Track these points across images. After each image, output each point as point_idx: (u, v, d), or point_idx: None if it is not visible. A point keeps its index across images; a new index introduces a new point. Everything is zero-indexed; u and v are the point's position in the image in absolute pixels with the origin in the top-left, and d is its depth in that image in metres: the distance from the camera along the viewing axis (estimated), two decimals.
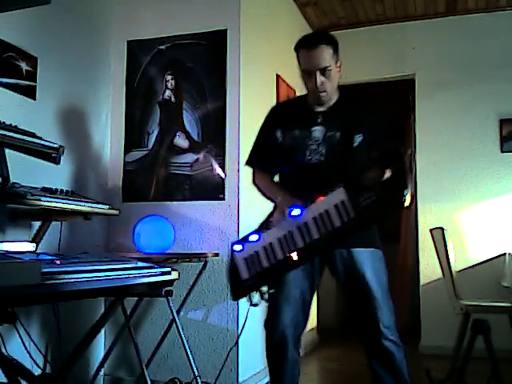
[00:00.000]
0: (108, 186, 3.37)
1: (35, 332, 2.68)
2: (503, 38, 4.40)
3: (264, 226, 2.00)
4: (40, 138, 2.33)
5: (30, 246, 2.11)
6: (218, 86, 3.21)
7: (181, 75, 3.30)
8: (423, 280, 4.45)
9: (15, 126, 2.23)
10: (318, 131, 2.04)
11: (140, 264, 2.05)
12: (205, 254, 3.00)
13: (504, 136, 4.33)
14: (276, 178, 2.21)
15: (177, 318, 2.68)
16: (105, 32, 3.41)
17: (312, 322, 4.63)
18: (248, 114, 3.18)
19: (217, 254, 2.99)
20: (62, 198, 2.31)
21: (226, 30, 3.21)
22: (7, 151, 2.29)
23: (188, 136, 3.25)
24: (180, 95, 3.30)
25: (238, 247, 1.98)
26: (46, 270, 1.50)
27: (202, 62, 3.26)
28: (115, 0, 3.48)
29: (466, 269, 4.26)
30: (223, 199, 3.13)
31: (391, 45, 4.72)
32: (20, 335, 2.27)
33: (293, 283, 2.03)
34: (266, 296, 1.96)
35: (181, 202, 3.22)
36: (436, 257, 3.51)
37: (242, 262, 1.95)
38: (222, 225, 3.12)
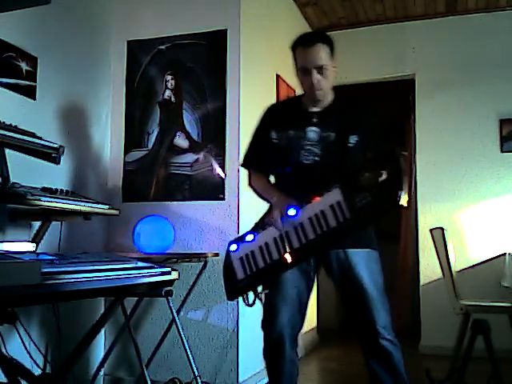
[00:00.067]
0: (108, 186, 3.37)
1: (35, 332, 2.68)
2: (503, 38, 4.40)
3: (259, 226, 2.01)
4: (40, 138, 2.33)
5: (30, 246, 2.11)
6: (218, 85, 3.21)
7: (181, 75, 3.30)
8: (423, 280, 4.45)
9: (15, 126, 2.23)
10: (313, 132, 2.04)
11: (140, 264, 2.04)
12: (205, 254, 3.00)
13: (504, 136, 4.33)
14: (272, 179, 2.21)
15: (177, 318, 2.68)
16: (105, 32, 3.41)
17: (312, 322, 4.64)
18: (248, 114, 3.18)
19: (217, 254, 2.99)
20: (62, 198, 2.31)
21: (226, 30, 3.21)
22: (7, 151, 2.29)
23: (188, 136, 3.25)
24: (180, 95, 3.30)
25: (233, 247, 1.98)
26: (45, 270, 1.50)
27: (202, 62, 3.26)
28: (115, 0, 3.48)
29: (466, 269, 4.26)
30: (223, 199, 3.13)
31: (391, 45, 4.72)
32: (20, 335, 2.27)
33: (289, 283, 2.03)
34: (261, 296, 1.97)
35: (181, 202, 3.22)
36: (436, 257, 3.51)
37: (237, 261, 1.95)
38: (222, 225, 3.12)
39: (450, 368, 3.21)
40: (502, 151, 4.33)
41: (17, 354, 2.15)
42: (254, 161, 2.21)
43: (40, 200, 2.12)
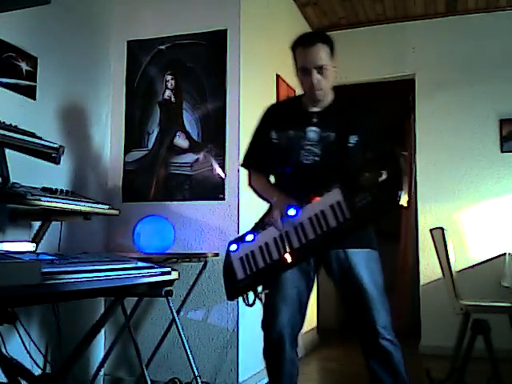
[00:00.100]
0: (108, 186, 3.37)
1: (35, 332, 2.68)
2: (503, 38, 4.40)
3: (259, 226, 2.01)
4: (40, 138, 2.33)
5: (30, 246, 2.11)
6: (218, 85, 3.21)
7: (181, 75, 3.30)
8: (423, 280, 4.45)
9: (15, 126, 2.23)
10: (312, 132, 2.04)
11: (140, 264, 2.04)
12: (205, 254, 3.00)
13: (504, 136, 4.33)
14: (272, 180, 2.21)
15: (177, 318, 2.68)
16: (105, 32, 3.41)
17: (312, 321, 4.64)
18: (248, 114, 3.18)
19: (217, 254, 2.99)
20: (62, 198, 2.31)
21: (225, 30, 3.21)
22: (7, 151, 2.29)
23: (188, 136, 3.25)
24: (180, 95, 3.30)
25: (233, 247, 1.98)
26: (45, 270, 1.50)
27: (202, 62, 3.26)
28: (115, 0, 3.48)
29: (466, 269, 4.26)
30: (223, 199, 3.13)
31: (391, 45, 4.72)
32: (20, 335, 2.27)
33: (289, 283, 2.03)
34: (261, 296, 1.97)
35: (181, 202, 3.22)
36: (436, 257, 3.51)
37: (237, 261, 1.95)
38: (222, 225, 3.12)
39: (449, 368, 3.21)
40: (502, 151, 4.33)
41: (17, 354, 2.15)
42: (254, 161, 2.21)
43: (40, 200, 2.12)
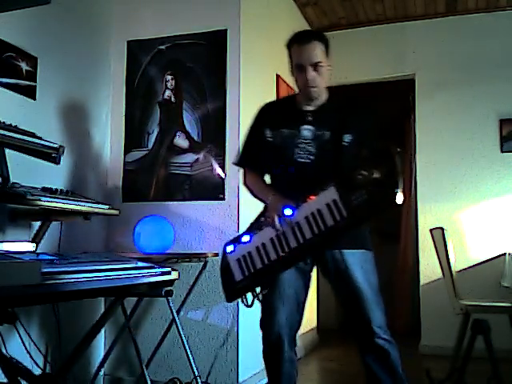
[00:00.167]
0: (108, 186, 3.37)
1: (35, 332, 2.68)
2: (503, 38, 4.40)
3: (255, 227, 2.01)
4: (40, 138, 2.33)
5: (30, 246, 2.11)
6: (218, 85, 3.21)
7: (181, 75, 3.30)
8: (423, 280, 4.45)
9: (15, 126, 2.23)
10: (307, 130, 2.04)
11: (140, 264, 2.04)
12: (205, 254, 3.00)
13: (504, 136, 4.33)
14: (267, 179, 2.21)
15: (177, 318, 2.68)
16: (105, 32, 3.41)
17: (312, 321, 4.64)
18: (248, 113, 3.16)
19: (217, 254, 2.99)
20: (62, 198, 2.31)
21: (225, 30, 3.21)
22: (7, 151, 2.29)
23: (188, 136, 3.25)
24: (180, 95, 3.30)
25: (229, 248, 1.98)
26: (46, 270, 1.50)
27: (202, 62, 3.26)
28: (115, 0, 3.48)
29: (466, 269, 4.26)
30: (223, 199, 3.13)
31: (391, 45, 4.72)
32: (20, 335, 2.27)
33: (286, 283, 2.03)
34: (260, 297, 1.97)
35: (181, 202, 3.22)
36: (436, 257, 3.51)
37: (234, 263, 1.95)
38: (222, 225, 3.12)
39: (449, 368, 3.21)
40: (502, 151, 4.33)
41: (17, 354, 2.15)
42: (248, 159, 2.22)
43: (40, 200, 2.12)
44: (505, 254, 4.09)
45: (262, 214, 2.06)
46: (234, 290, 1.97)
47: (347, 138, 2.02)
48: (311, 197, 1.87)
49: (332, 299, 5.28)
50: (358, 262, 1.99)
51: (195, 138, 3.23)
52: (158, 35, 3.36)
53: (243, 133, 3.09)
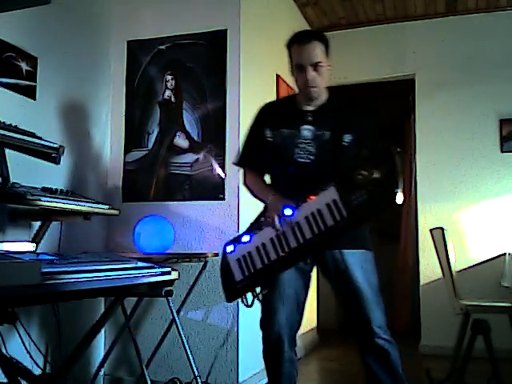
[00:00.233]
0: (108, 186, 3.37)
1: (35, 332, 2.68)
2: (503, 38, 4.40)
3: (255, 227, 2.01)
4: (40, 138, 2.33)
5: (30, 246, 2.11)
6: (218, 85, 3.21)
7: (181, 75, 3.30)
8: (423, 280, 4.45)
9: (15, 126, 2.23)
10: (307, 130, 2.05)
11: (140, 264, 2.04)
12: (205, 254, 3.00)
13: (504, 136, 4.33)
14: (267, 179, 2.21)
15: (177, 318, 2.68)
16: (105, 32, 3.41)
17: (312, 321, 4.64)
18: (248, 113, 3.16)
19: (217, 254, 2.99)
20: (62, 198, 2.30)
21: (225, 30, 3.21)
22: (7, 151, 2.29)
23: (188, 136, 3.25)
24: (180, 95, 3.30)
25: (229, 248, 1.98)
26: (46, 270, 1.50)
27: (202, 62, 3.26)
28: (115, 0, 3.48)
29: (466, 269, 4.26)
30: (223, 199, 3.13)
31: (391, 45, 4.72)
32: (20, 335, 2.27)
33: (286, 283, 2.03)
34: (260, 297, 1.97)
35: (181, 202, 3.22)
36: (436, 257, 3.51)
37: (234, 263, 1.95)
38: (222, 225, 3.12)
39: (449, 368, 3.21)
40: (502, 151, 4.33)
41: (17, 354, 2.15)
42: (249, 159, 2.22)
43: (40, 200, 2.12)
44: (505, 254, 4.09)
45: (262, 214, 2.06)
46: (233, 290, 1.98)
47: (347, 137, 2.02)
48: (311, 197, 1.87)
49: (332, 299, 5.28)
50: (358, 262, 2.00)
51: (195, 138, 3.23)
52: (158, 35, 3.36)
53: (243, 133, 3.09)
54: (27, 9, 2.15)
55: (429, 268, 4.34)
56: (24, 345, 2.31)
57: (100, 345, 3.25)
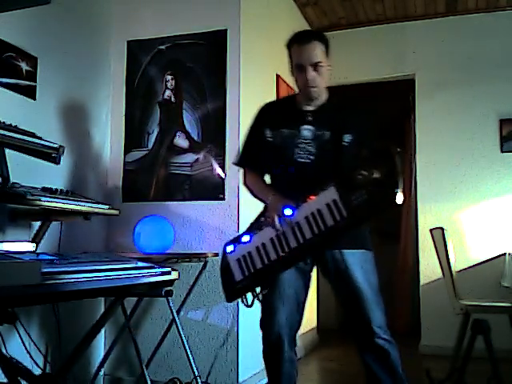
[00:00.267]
0: (108, 186, 3.37)
1: (35, 332, 2.68)
2: (503, 38, 4.40)
3: (255, 227, 2.01)
4: (40, 138, 2.33)
5: (30, 246, 2.11)
6: (218, 85, 3.21)
7: (181, 75, 3.30)
8: (423, 280, 4.45)
9: (15, 126, 2.23)
10: (307, 130, 2.05)
11: (140, 264, 2.04)
12: (205, 254, 3.00)
13: (504, 136, 4.33)
14: (267, 179, 2.21)
15: (177, 318, 2.68)
16: (105, 32, 3.41)
17: (312, 321, 4.64)
18: (248, 113, 3.16)
19: (217, 254, 2.99)
20: (62, 198, 2.30)
21: (225, 30, 3.21)
22: (7, 151, 2.29)
23: (188, 136, 3.25)
24: (180, 95, 3.30)
25: (229, 248, 1.98)
26: (46, 270, 1.50)
27: (202, 62, 3.26)
28: (115, 0, 3.48)
29: (466, 269, 4.26)
30: (223, 199, 3.13)
31: (391, 45, 4.72)
32: (20, 335, 2.27)
33: (286, 283, 2.03)
34: (260, 297, 1.97)
35: (181, 202, 3.22)
36: (436, 257, 3.51)
37: (234, 263, 1.95)
38: (222, 225, 3.12)
39: (449, 368, 3.21)
40: (502, 151, 4.33)
41: (17, 354, 2.15)
42: (248, 159, 2.22)
43: (40, 200, 2.12)
44: (505, 254, 4.09)
45: (261, 214, 2.06)
46: (233, 290, 1.98)
47: (347, 137, 2.02)
48: (311, 197, 1.87)
49: (332, 299, 5.27)
50: (358, 262, 2.00)
51: (195, 138, 3.23)
52: (158, 35, 3.36)
53: (243, 133, 3.09)
54: (27, 9, 2.15)
55: (429, 268, 4.34)
56: (24, 345, 2.31)
57: (100, 345, 3.25)
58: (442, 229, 3.48)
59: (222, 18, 3.24)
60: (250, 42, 3.33)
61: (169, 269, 2.13)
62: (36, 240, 2.54)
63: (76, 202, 2.37)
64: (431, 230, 3.56)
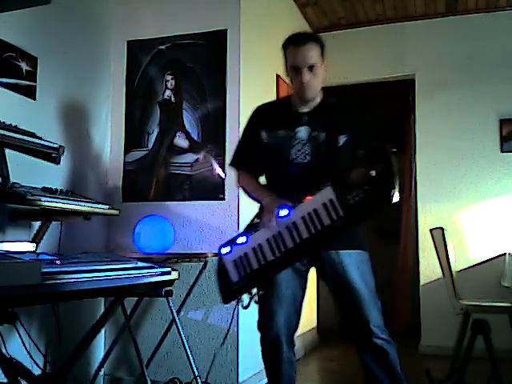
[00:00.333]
0: (108, 186, 3.37)
1: (35, 332, 2.68)
2: (503, 38, 4.40)
3: (251, 228, 2.00)
4: (40, 138, 2.33)
5: (30, 246, 2.11)
6: (218, 85, 3.21)
7: (181, 75, 3.30)
8: (423, 280, 4.45)
9: (15, 126, 2.23)
10: (302, 131, 2.05)
11: (140, 264, 2.05)
12: (205, 254, 3.00)
13: (504, 136, 4.33)
14: (262, 180, 2.21)
15: (177, 318, 2.68)
16: (105, 32, 3.41)
17: (312, 321, 4.64)
18: (248, 113, 3.16)
19: (217, 254, 2.93)
20: (62, 198, 2.30)
21: (225, 30, 3.21)
22: (7, 151, 2.29)
23: (188, 136, 3.25)
24: (180, 95, 3.30)
25: (225, 250, 1.98)
26: (46, 270, 1.50)
27: (202, 62, 3.26)
28: (115, 0, 3.48)
29: (466, 269, 4.25)
30: (223, 199, 3.13)
31: (391, 45, 4.72)
32: (20, 335, 2.27)
33: (284, 284, 2.03)
34: (256, 298, 1.97)
35: (181, 202, 3.22)
36: (436, 257, 3.51)
37: (230, 264, 1.95)
38: (222, 225, 3.12)
39: (449, 368, 3.21)
40: (502, 151, 4.33)
41: (17, 354, 2.15)
42: (243, 161, 2.22)
43: (40, 200, 2.12)
44: (505, 253, 4.09)
45: (257, 215, 2.06)
46: (230, 292, 1.97)
47: (342, 138, 2.03)
48: (308, 197, 1.87)
49: (332, 299, 5.29)
50: (355, 263, 2.00)
51: (195, 138, 3.23)
52: (158, 35, 3.36)
53: None
54: (27, 9, 2.15)
55: (429, 268, 4.34)
56: (24, 345, 2.31)
57: (100, 345, 3.25)
58: (442, 229, 3.47)
59: (222, 18, 3.24)
60: (250, 42, 3.33)
61: (169, 269, 2.13)
62: (36, 240, 2.54)
63: (76, 202, 2.37)
64: (431, 230, 3.56)
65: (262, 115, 2.18)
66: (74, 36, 3.11)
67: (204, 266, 3.05)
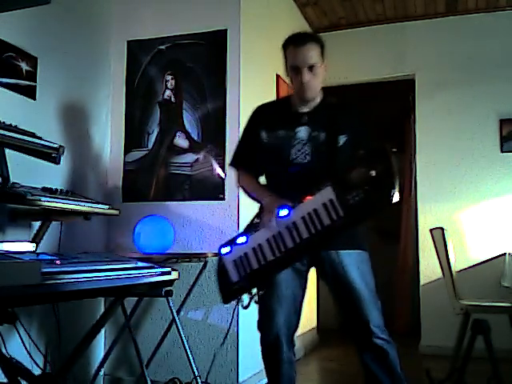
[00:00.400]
0: (108, 186, 3.37)
1: (35, 332, 2.68)
2: (503, 38, 4.40)
3: (251, 228, 2.00)
4: (40, 138, 2.33)
5: (30, 246, 2.11)
6: (217, 85, 3.21)
7: (181, 75, 3.30)
8: (423, 280, 4.45)
9: (15, 126, 2.23)
10: (302, 131, 2.05)
11: (140, 264, 2.05)
12: (205, 254, 3.00)
13: (504, 136, 4.33)
14: (262, 180, 2.21)
15: (177, 318, 2.68)
16: (105, 32, 3.41)
17: (312, 321, 4.64)
18: (248, 113, 3.15)
19: (217, 254, 2.95)
20: (62, 198, 2.30)
21: (225, 30, 3.21)
22: (7, 151, 2.29)
23: (188, 136, 3.25)
24: (180, 95, 3.30)
25: (225, 250, 1.98)
26: (45, 270, 1.50)
27: (202, 62, 3.26)
28: (115, 0, 3.48)
29: (466, 269, 4.25)
30: (223, 199, 3.13)
31: (391, 45, 4.72)
32: (20, 335, 2.27)
33: (284, 284, 2.03)
34: (256, 298, 1.97)
35: (181, 202, 3.22)
36: (436, 257, 3.51)
37: (230, 264, 1.95)
38: (222, 225, 3.12)
39: (449, 368, 3.21)
40: (502, 151, 4.33)
41: (17, 354, 2.15)
42: (243, 161, 2.22)
43: (40, 200, 2.12)
44: (505, 253, 4.09)
45: (257, 215, 2.06)
46: (230, 292, 1.97)
47: (342, 138, 2.03)
48: (308, 197, 1.87)
49: (332, 299, 5.29)
50: (355, 263, 2.00)
51: (195, 138, 3.23)
52: (158, 35, 3.36)
53: None
54: (27, 9, 2.15)
55: (429, 268, 4.34)
56: (24, 345, 2.31)
57: (100, 345, 3.25)
58: (442, 229, 3.47)
59: (222, 17, 3.24)
60: (250, 42, 3.33)
61: (169, 269, 2.13)
62: (36, 240, 2.54)
63: (76, 202, 2.37)
64: (431, 230, 3.56)
65: (261, 115, 2.18)
66: (73, 36, 3.11)
67: (204, 266, 3.05)
